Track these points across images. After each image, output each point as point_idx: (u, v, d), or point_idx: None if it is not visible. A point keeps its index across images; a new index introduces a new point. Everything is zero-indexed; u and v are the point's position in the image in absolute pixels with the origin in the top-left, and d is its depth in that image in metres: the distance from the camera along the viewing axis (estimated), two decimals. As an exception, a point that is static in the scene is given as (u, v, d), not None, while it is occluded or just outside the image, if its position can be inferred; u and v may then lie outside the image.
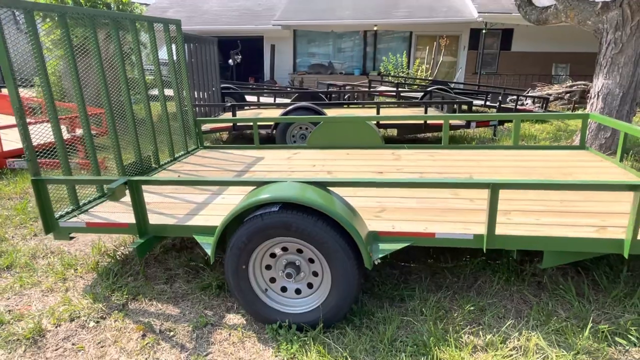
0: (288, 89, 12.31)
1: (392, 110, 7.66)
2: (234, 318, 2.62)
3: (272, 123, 6.27)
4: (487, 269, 2.97)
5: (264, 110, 8.05)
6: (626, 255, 2.27)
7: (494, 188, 2.27)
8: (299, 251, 2.42)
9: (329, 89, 10.69)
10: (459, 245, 2.46)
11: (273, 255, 2.46)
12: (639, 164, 5.18)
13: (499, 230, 2.45)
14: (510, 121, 8.40)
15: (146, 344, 2.39)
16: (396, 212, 2.86)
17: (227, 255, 2.40)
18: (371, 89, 10.74)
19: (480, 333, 2.38)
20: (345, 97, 10.60)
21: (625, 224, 2.45)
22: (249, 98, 9.59)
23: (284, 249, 2.43)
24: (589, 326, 2.33)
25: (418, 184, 2.32)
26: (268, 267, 2.48)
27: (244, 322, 2.58)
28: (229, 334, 2.48)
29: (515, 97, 9.78)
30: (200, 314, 2.66)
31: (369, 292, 2.79)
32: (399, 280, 2.91)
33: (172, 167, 4.22)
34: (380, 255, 2.35)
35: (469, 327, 2.44)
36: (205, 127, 6.57)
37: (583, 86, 11.36)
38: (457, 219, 2.70)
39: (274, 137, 6.30)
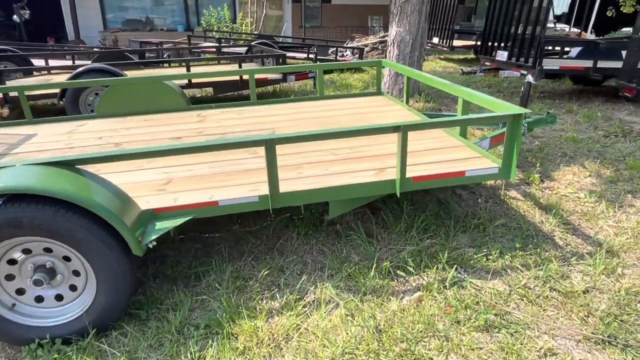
0: (95, 49, 10.59)
1: (210, 67, 7.14)
2: (-20, 347, 2.05)
3: (57, 91, 5.22)
4: (290, 225, 2.92)
5: (55, 76, 6.70)
6: (398, 194, 2.40)
7: (269, 145, 2.12)
8: (48, 250, 1.95)
9: (143, 48, 9.50)
10: (245, 210, 2.29)
11: (13, 261, 1.94)
12: (430, 104, 5.82)
13: (285, 187, 2.36)
14: (331, 71, 8.71)
15: None
16: (184, 183, 2.55)
17: (-60, 274, 1.80)
18: (192, 46, 9.91)
19: (277, 295, 2.31)
20: (165, 55, 9.60)
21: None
22: (38, 62, 7.89)
23: (27, 251, 1.93)
24: (374, 266, 2.44)
25: (179, 150, 2.03)
26: (10, 277, 1.96)
27: (-6, 348, 2.04)
28: (-30, 370, 1.93)
29: (334, 49, 10.13)
30: None
31: (160, 275, 2.48)
32: (197, 255, 2.67)
33: None
34: (155, 237, 2.04)
35: (267, 291, 2.34)
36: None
37: (393, 36, 12.38)
38: (249, 181, 2.52)
39: (65, 107, 5.28)
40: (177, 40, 11.54)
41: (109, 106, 4.07)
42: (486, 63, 7.41)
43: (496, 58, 6.79)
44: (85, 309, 2.01)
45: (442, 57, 13.00)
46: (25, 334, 1.98)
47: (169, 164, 2.81)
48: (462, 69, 10.01)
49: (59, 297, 2.03)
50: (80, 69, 5.20)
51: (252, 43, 9.11)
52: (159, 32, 15.48)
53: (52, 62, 8.04)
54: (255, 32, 13.17)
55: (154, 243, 2.04)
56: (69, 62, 8.15)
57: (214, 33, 12.12)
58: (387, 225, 2.89)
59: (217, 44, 10.08)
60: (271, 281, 2.42)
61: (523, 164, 3.92)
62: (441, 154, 2.83)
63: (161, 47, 9.99)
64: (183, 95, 4.27)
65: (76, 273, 2.00)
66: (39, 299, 2.01)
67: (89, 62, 7.82)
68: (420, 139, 3.06)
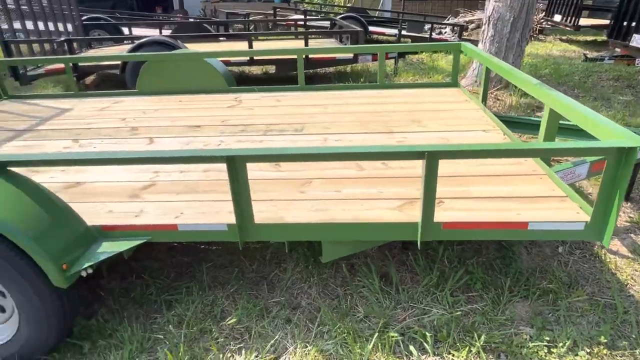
0: (191, 20, 10.81)
1: (274, 44, 6.68)
2: None
3: (118, 63, 5.18)
4: (294, 251, 2.36)
5: (126, 46, 6.79)
6: (419, 244, 1.70)
7: (233, 163, 1.56)
8: (-32, 265, 1.65)
9: (228, 19, 9.39)
10: (211, 239, 1.79)
11: None
12: (526, 99, 4.69)
13: (278, 213, 1.80)
14: (415, 53, 7.72)
15: None
16: (166, 189, 2.13)
17: None
18: (277, 18, 9.56)
19: (244, 351, 1.79)
20: (251, 27, 9.43)
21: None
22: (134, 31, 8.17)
23: (-54, 262, 1.66)
24: (375, 335, 1.79)
25: (106, 160, 1.58)
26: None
27: None
28: None
29: (430, 25, 9.02)
30: None
31: (127, 296, 2.11)
32: (179, 274, 2.25)
33: (-63, 127, 3.20)
34: (90, 264, 1.63)
35: (233, 343, 1.84)
36: (37, 70, 5.35)
37: (504, 12, 10.72)
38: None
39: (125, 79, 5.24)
40: (267, 12, 11.30)
41: (150, 83, 3.82)
42: (616, 49, 5.87)
43: (631, 44, 5.29)
44: (11, 335, 1.71)
45: (563, 38, 10.97)
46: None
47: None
48: (585, 54, 8.27)
49: (-11, 316, 1.75)
50: (142, 40, 5.09)
51: (338, 17, 8.46)
52: (257, 3, 15.46)
53: (140, 32, 8.28)
54: (348, 5, 12.41)
55: (90, 271, 1.64)
56: (155, 32, 8.33)
57: (305, 5, 11.64)
58: (415, 271, 2.18)
59: (303, 17, 9.59)
60: (245, 327, 1.91)
61: (642, 196, 2.83)
62: (505, 184, 2.01)
63: (247, 19, 9.81)
64: (225, 75, 3.86)
65: (2, 294, 1.70)
66: (-32, 315, 1.76)
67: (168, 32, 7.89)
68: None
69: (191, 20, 9.93)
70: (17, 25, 5.56)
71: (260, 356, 1.76)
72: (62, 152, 2.62)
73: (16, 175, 1.65)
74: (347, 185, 2.08)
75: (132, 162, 1.61)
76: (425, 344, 1.76)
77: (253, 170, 2.24)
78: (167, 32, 8.16)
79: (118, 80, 6.72)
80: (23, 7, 5.45)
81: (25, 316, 1.63)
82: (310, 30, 7.32)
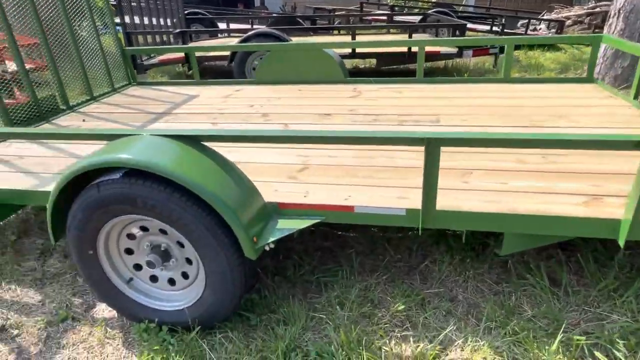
0: (273, 15, 11.07)
1: (378, 37, 6.63)
2: (104, 310, 2.04)
3: (228, 53, 5.39)
4: (441, 243, 2.30)
5: (234, 39, 7.06)
6: (622, 243, 1.56)
7: (431, 145, 1.53)
8: (164, 232, 1.76)
9: (315, 14, 9.50)
10: (387, 223, 1.77)
11: (132, 236, 1.81)
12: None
13: (444, 201, 1.75)
14: (518, 47, 7.32)
15: (-28, 350, 1.84)
16: (321, 172, 2.15)
17: (68, 237, 1.76)
18: (363, 13, 9.52)
19: (411, 339, 1.76)
20: (336, 22, 9.46)
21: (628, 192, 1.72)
22: (223, 25, 8.51)
23: (144, 229, 1.78)
24: (559, 336, 1.68)
25: (317, 138, 1.58)
26: (129, 251, 1.85)
27: (115, 315, 2.00)
28: (89, 333, 1.92)
29: (526, 20, 8.53)
30: (65, 302, 2.09)
31: (280, 274, 2.16)
32: (324, 257, 2.27)
33: (85, 108, 3.50)
34: (273, 239, 1.68)
35: (397, 329, 1.82)
36: (151, 60, 5.70)
37: (607, 8, 9.91)
38: (398, 183, 1.98)
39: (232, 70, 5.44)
40: (351, 8, 11.29)
41: (268, 72, 3.92)
42: None
43: None
44: (193, 301, 1.81)
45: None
46: (138, 312, 1.88)
47: (310, 145, 2.44)
48: None
49: (172, 281, 1.86)
50: (249, 33, 5.25)
51: (431, 11, 8.25)
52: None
53: (234, 26, 8.59)
54: (432, 0, 12.08)
55: (272, 246, 1.69)
56: (248, 26, 8.60)
57: (388, 0, 11.51)
58: (583, 274, 2.03)
59: (389, 12, 9.48)
60: (406, 316, 1.88)
61: None
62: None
63: (333, 13, 9.86)
64: (341, 66, 3.87)
65: (189, 261, 1.79)
66: (154, 279, 1.88)
67: (264, 26, 8.12)
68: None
69: (274, 14, 10.16)
70: (128, 19, 5.98)
71: (429, 346, 1.72)
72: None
73: (209, 150, 1.73)
74: (510, 177, 1.98)
75: (340, 142, 1.60)
76: (615, 352, 1.62)
77: (402, 158, 2.22)
78: (257, 26, 8.40)
79: (219, 71, 7.02)
80: (142, 3, 5.85)
81: (211, 283, 1.71)
82: (419, 24, 7.12)
